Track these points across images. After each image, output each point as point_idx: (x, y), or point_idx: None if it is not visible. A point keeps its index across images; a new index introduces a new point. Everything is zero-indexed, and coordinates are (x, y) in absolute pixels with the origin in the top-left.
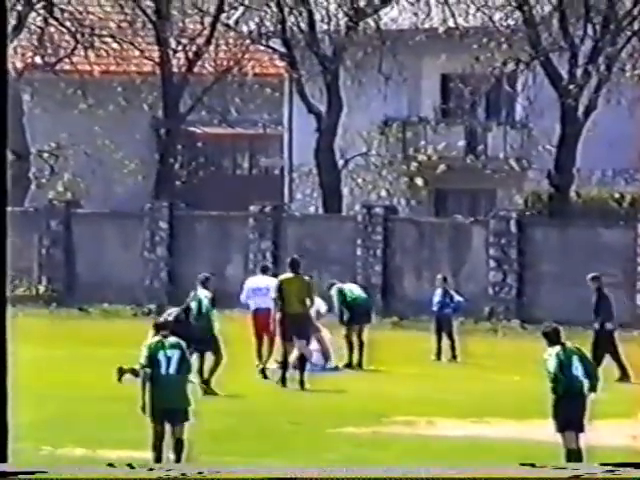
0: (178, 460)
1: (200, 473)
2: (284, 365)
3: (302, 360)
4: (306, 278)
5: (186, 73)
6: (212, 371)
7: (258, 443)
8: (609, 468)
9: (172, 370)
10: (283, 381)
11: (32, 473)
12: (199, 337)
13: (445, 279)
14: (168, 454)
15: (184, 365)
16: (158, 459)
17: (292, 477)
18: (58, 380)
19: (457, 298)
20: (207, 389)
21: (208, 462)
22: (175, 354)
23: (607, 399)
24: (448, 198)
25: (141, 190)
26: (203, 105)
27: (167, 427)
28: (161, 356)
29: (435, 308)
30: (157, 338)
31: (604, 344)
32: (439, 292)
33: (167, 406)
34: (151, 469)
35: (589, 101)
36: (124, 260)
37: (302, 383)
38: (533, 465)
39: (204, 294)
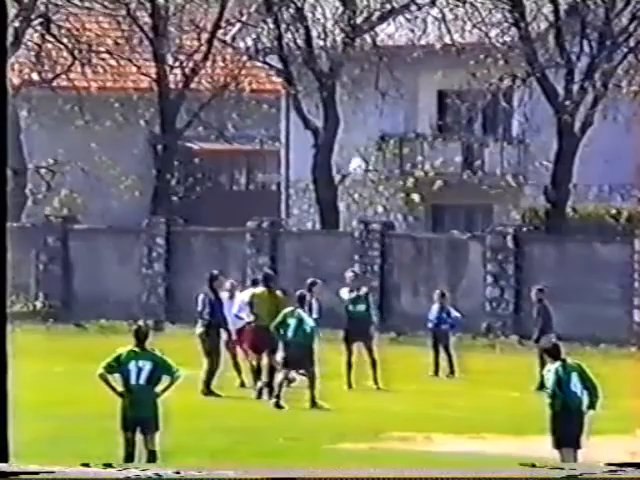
0: None
1: (177, 473)
2: (259, 377)
3: (272, 372)
4: (278, 293)
5: (183, 89)
6: (312, 387)
7: (254, 460)
8: (611, 468)
9: (142, 380)
10: (260, 393)
11: (36, 473)
12: (296, 354)
13: (443, 294)
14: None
15: (155, 376)
16: None
17: (289, 477)
18: (55, 396)
19: (454, 314)
20: (314, 404)
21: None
22: (146, 365)
23: (606, 415)
24: (445, 214)
25: (138, 206)
26: (200, 121)
27: (140, 439)
28: (132, 366)
29: (431, 324)
30: (129, 348)
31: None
32: (436, 307)
33: (136, 415)
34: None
35: (585, 117)
36: (121, 276)
37: (271, 393)
38: (533, 465)
39: (307, 313)
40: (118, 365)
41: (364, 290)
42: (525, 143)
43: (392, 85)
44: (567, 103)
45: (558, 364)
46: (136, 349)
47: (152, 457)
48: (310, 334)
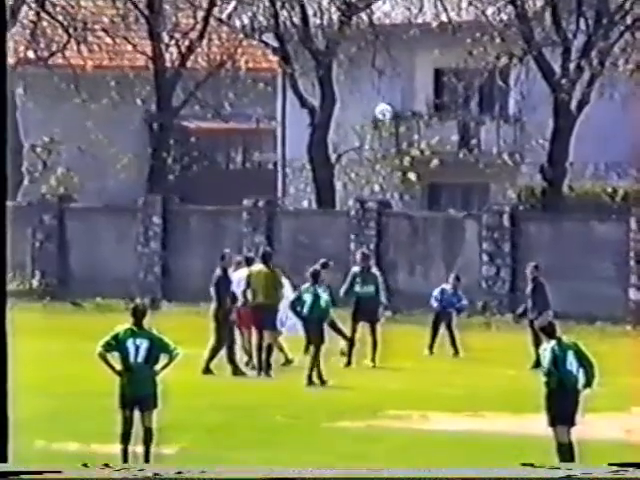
0: (147, 451)
1: (178, 473)
2: (259, 354)
3: (269, 349)
4: (275, 270)
5: (179, 68)
6: (314, 363)
7: (253, 437)
8: (611, 469)
9: (140, 359)
10: (259, 369)
11: (40, 473)
12: (311, 329)
13: (458, 279)
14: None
15: (152, 355)
16: (125, 449)
17: (289, 477)
18: (52, 374)
19: (464, 302)
20: (309, 381)
21: (202, 456)
22: (144, 343)
23: (602, 393)
24: (441, 192)
25: (134, 184)
26: (196, 99)
27: (137, 416)
28: (129, 344)
29: (438, 304)
30: (127, 326)
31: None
32: (449, 290)
33: (135, 393)
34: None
35: (582, 95)
36: (118, 254)
37: (268, 370)
38: (532, 465)
39: (322, 288)
40: (116, 343)
41: (374, 271)
42: (522, 121)
43: (389, 64)
44: (564, 81)
45: (554, 342)
46: (134, 327)
47: (149, 435)
48: (325, 309)
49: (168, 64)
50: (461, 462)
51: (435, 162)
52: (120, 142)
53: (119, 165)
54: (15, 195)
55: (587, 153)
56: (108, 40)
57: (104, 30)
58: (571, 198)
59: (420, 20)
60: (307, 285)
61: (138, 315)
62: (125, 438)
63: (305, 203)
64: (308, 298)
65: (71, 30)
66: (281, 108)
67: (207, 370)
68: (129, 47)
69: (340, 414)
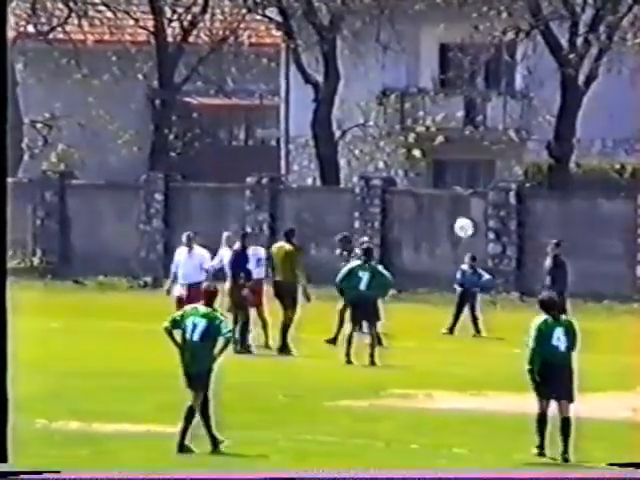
0: (209, 428)
1: None
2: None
3: (285, 329)
4: (298, 248)
5: (181, 43)
6: (373, 343)
7: (255, 416)
8: (611, 469)
9: (196, 337)
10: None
11: (40, 473)
12: (366, 306)
13: (474, 258)
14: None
15: (209, 335)
16: (185, 428)
17: (289, 477)
18: (53, 353)
19: (486, 276)
20: (373, 362)
21: (204, 435)
22: (202, 323)
23: (608, 372)
24: (447, 169)
25: (136, 161)
26: (199, 75)
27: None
28: (189, 322)
29: (460, 286)
30: (193, 305)
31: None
32: (468, 270)
33: (188, 370)
34: None
35: (590, 70)
36: (119, 232)
37: (286, 348)
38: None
39: (380, 266)
40: (182, 321)
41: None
42: (528, 97)
43: (394, 39)
44: (571, 56)
45: (542, 318)
46: (200, 307)
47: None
48: (387, 287)
49: (170, 39)
50: (464, 442)
51: (440, 139)
52: (122, 118)
53: (120, 141)
54: (15, 171)
55: (595, 129)
56: (109, 14)
57: (105, 4)
58: (578, 175)
59: None
60: (358, 262)
61: (209, 296)
62: (188, 418)
63: (309, 180)
64: (364, 275)
65: (71, 4)
66: (284, 84)
67: (243, 349)
68: (130, 21)
69: (343, 393)
